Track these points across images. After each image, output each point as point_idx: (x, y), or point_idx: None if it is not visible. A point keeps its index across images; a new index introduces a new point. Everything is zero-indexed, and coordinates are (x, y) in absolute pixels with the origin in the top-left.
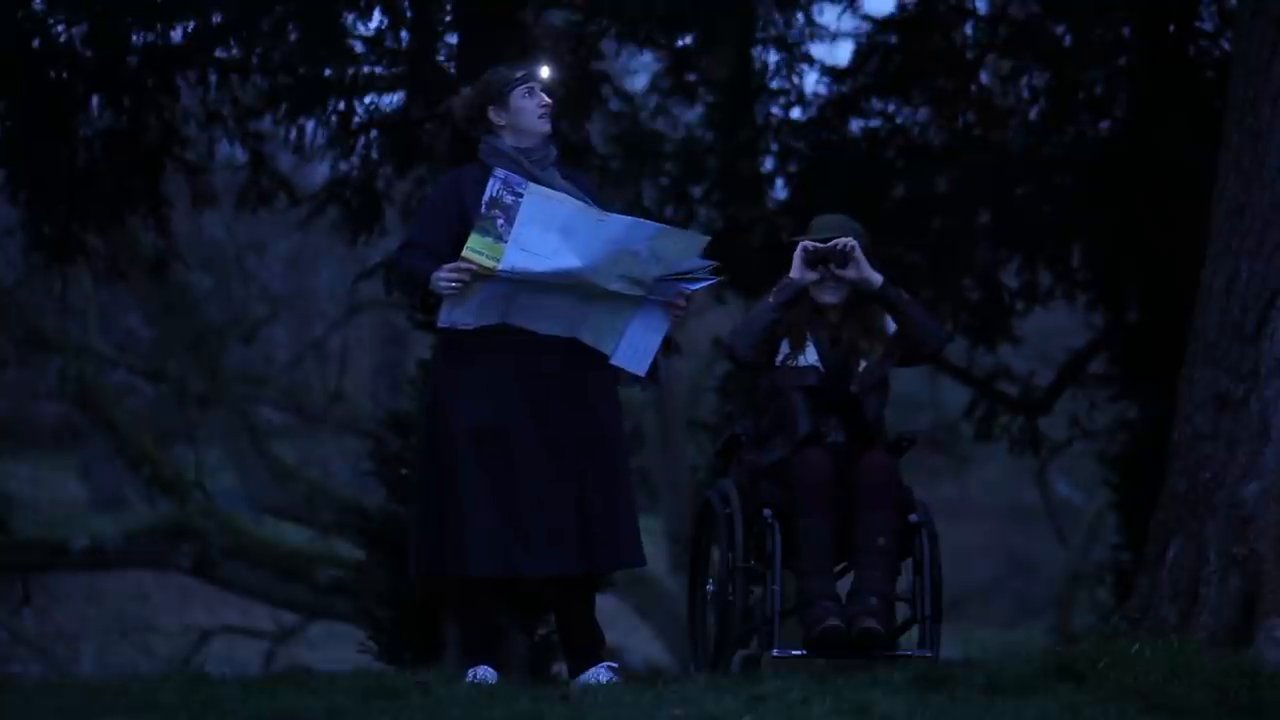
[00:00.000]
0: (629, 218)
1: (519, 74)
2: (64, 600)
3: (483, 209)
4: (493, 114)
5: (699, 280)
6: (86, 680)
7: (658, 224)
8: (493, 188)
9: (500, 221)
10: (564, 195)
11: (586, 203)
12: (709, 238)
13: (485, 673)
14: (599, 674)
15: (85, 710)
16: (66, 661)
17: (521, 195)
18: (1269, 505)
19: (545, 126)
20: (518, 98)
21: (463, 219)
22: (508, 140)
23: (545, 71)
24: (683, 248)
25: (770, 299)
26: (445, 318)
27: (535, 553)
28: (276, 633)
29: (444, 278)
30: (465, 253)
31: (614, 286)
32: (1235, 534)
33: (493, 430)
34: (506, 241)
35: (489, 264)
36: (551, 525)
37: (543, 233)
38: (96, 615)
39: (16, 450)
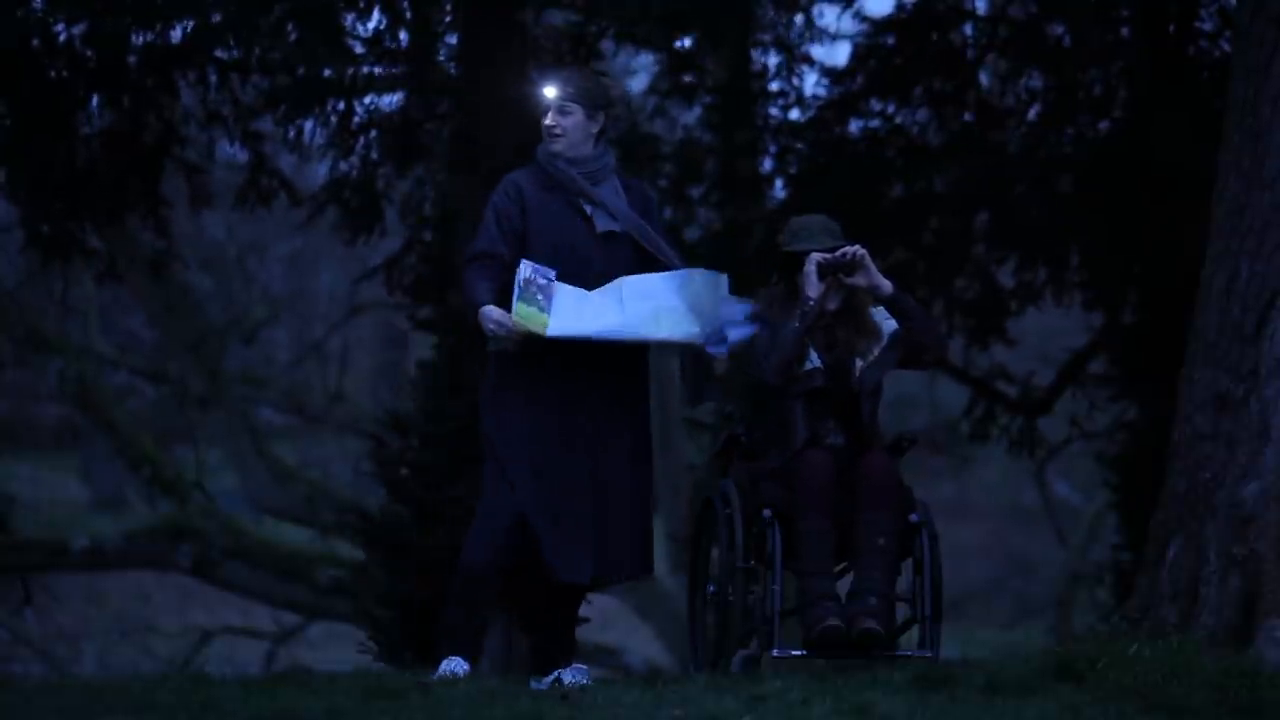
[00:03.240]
0: (649, 275)
1: (540, 94)
2: (64, 600)
3: (520, 285)
4: None
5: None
6: (87, 681)
7: (676, 271)
8: (523, 273)
9: (540, 297)
10: (587, 294)
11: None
12: (727, 275)
13: (459, 664)
14: (574, 672)
15: (86, 711)
16: (68, 662)
17: (551, 280)
18: (1269, 505)
19: (553, 147)
20: (542, 116)
21: (521, 223)
22: (547, 142)
23: (547, 92)
24: (710, 290)
25: (796, 323)
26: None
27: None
28: (277, 633)
29: (491, 327)
30: (514, 318)
31: (663, 336)
32: (1235, 534)
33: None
34: (549, 314)
35: (538, 330)
36: (582, 528)
37: (579, 305)
38: (97, 616)
39: (17, 450)
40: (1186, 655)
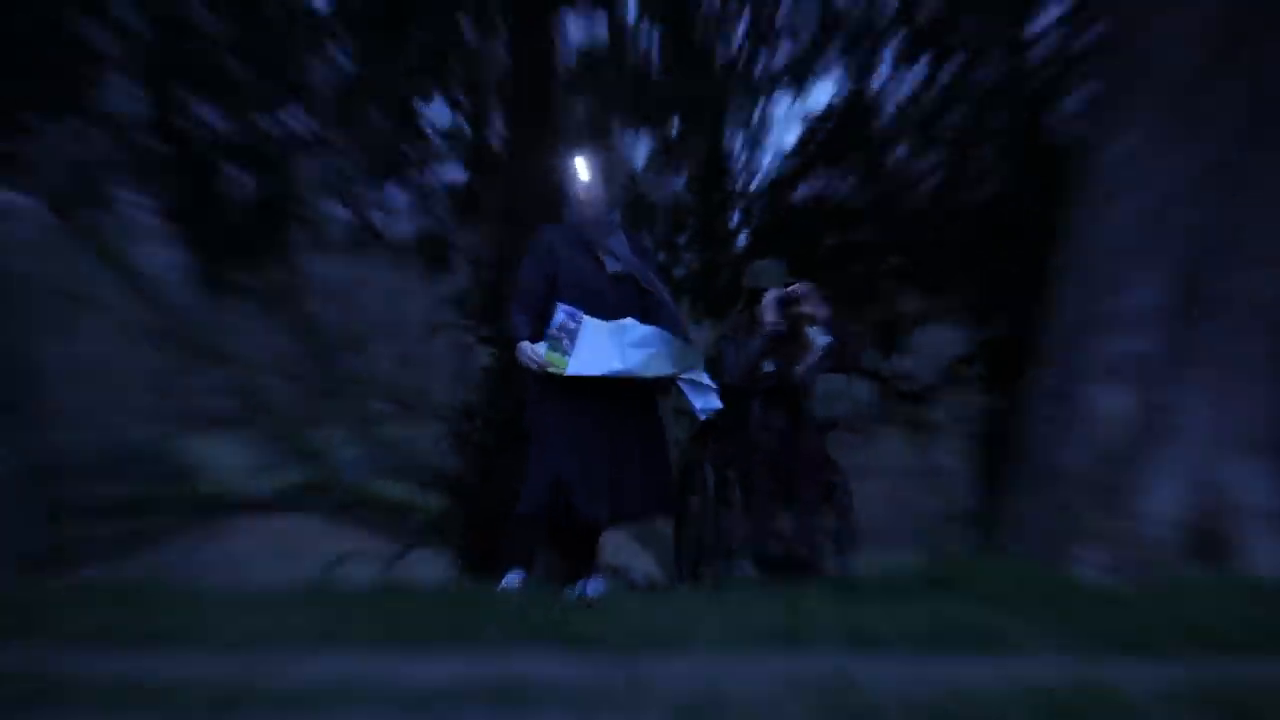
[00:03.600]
0: (654, 329)
1: (572, 169)
2: (237, 536)
3: (554, 331)
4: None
5: (704, 399)
6: (257, 593)
7: (673, 336)
8: (559, 320)
9: (565, 342)
10: (611, 324)
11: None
12: (704, 357)
13: (516, 577)
14: (597, 583)
15: (263, 611)
16: (243, 581)
17: (580, 322)
18: (1082, 469)
19: (586, 213)
20: (574, 189)
21: (553, 267)
22: (580, 208)
23: (584, 174)
24: (689, 357)
25: (758, 341)
26: (539, 364)
27: (605, 501)
28: (387, 557)
29: (524, 360)
30: (542, 360)
31: (651, 374)
32: (1060, 489)
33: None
34: (569, 356)
35: (558, 371)
36: (600, 484)
37: (594, 351)
38: (261, 547)
39: (198, 431)
40: (1025, 572)
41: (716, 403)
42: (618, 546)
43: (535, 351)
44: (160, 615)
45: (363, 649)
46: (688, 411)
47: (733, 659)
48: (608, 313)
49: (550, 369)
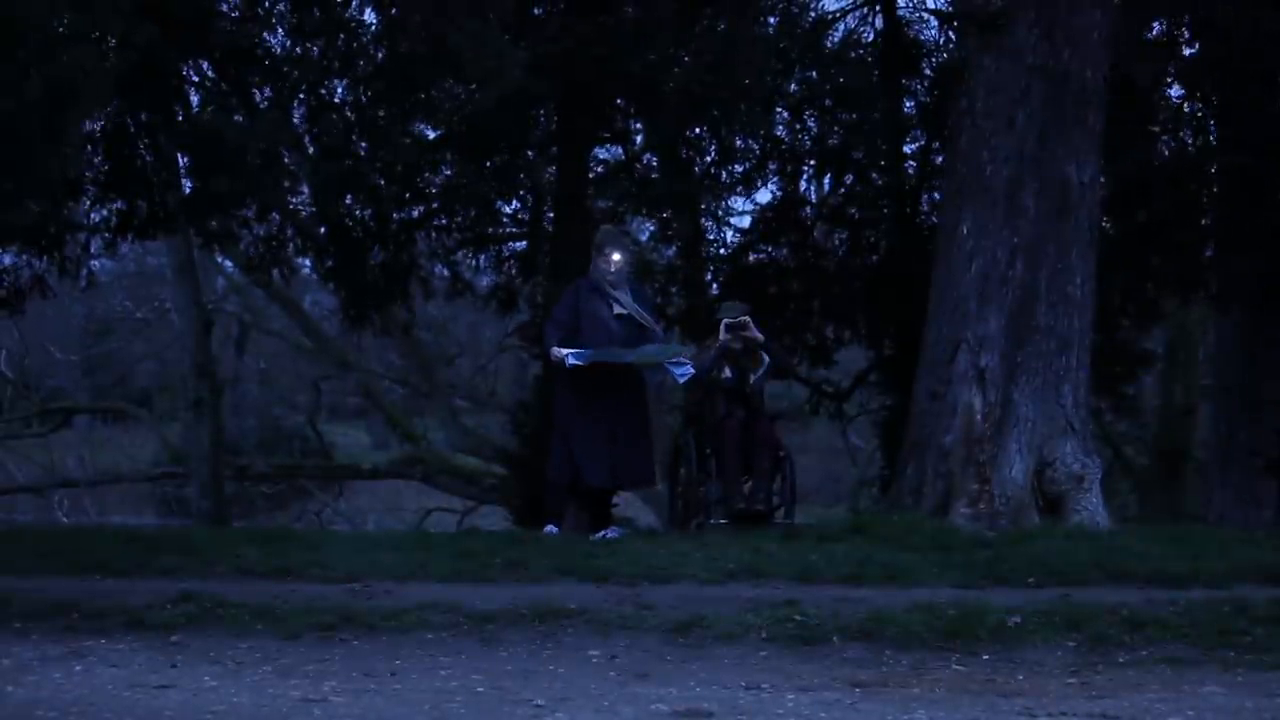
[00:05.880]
0: (650, 345)
1: (600, 243)
2: (359, 495)
3: (581, 359)
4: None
5: (681, 369)
6: (371, 533)
7: (665, 344)
8: (584, 358)
9: (580, 358)
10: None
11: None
12: (686, 349)
13: (552, 527)
14: (613, 531)
15: (371, 546)
16: (359, 527)
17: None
18: (955, 447)
19: (610, 275)
20: (599, 255)
21: (577, 305)
22: (603, 268)
23: (615, 254)
24: (674, 351)
25: (713, 352)
26: (568, 360)
27: (606, 472)
28: (463, 510)
29: (554, 356)
30: (564, 355)
31: (647, 360)
32: (940, 460)
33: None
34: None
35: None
36: (603, 459)
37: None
38: (374, 503)
39: (335, 419)
40: (918, 522)
41: (690, 371)
42: (627, 502)
43: (560, 350)
44: (289, 554)
45: (440, 580)
46: (680, 406)
47: (711, 587)
48: (614, 341)
49: (571, 361)
